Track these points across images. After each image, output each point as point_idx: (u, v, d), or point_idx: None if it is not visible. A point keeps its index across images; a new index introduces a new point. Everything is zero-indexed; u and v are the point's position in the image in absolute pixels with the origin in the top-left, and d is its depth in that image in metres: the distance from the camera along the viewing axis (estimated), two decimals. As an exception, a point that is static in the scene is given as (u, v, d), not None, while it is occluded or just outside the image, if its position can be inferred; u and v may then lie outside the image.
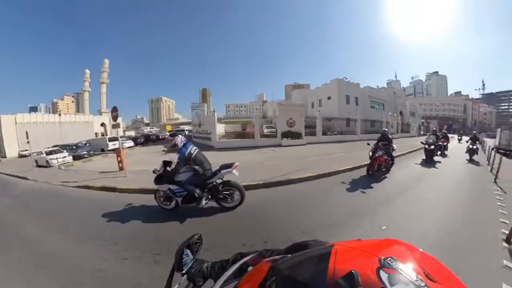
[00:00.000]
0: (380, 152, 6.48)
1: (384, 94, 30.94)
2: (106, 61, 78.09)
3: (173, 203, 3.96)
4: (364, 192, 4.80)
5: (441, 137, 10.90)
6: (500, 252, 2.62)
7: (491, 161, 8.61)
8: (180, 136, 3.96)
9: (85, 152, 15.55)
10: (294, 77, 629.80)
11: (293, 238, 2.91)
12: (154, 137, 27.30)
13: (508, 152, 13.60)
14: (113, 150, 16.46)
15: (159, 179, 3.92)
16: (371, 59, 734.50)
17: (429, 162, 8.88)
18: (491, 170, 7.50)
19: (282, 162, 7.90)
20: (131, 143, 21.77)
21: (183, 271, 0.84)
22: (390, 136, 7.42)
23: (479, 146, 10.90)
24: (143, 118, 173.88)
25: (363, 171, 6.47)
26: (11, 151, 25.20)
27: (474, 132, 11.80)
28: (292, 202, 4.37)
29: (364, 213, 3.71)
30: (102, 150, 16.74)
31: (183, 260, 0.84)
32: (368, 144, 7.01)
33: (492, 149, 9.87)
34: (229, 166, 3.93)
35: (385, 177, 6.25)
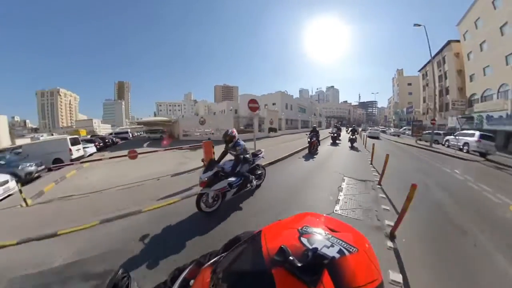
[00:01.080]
0: (314, 138, 10.88)
1: (305, 103, 45.32)
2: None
3: (219, 201, 3.85)
4: (313, 160, 8.90)
5: (338, 129, 17.44)
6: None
7: (363, 138, 17.45)
8: (234, 129, 4.24)
9: (33, 168, 8.62)
10: (223, 79, 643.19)
11: (290, 185, 5.32)
12: (110, 142, 23.46)
13: (367, 131, 29.40)
14: (77, 159, 11.49)
15: (213, 179, 3.70)
16: (288, 70, 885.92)
17: (334, 144, 14.73)
18: (363, 145, 14.35)
19: (280, 145, 13.69)
20: (94, 149, 16.57)
21: None
22: (317, 129, 11.98)
23: (357, 135, 15.97)
24: (25, 121, 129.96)
25: (306, 150, 11.14)
26: None
27: (354, 125, 21.52)
28: (282, 169, 7.17)
29: (316, 168, 7.35)
30: (57, 161, 10.86)
31: None
32: (306, 134, 11.62)
33: (361, 130, 23.71)
34: (258, 152, 5.08)
35: (317, 152, 10.71)
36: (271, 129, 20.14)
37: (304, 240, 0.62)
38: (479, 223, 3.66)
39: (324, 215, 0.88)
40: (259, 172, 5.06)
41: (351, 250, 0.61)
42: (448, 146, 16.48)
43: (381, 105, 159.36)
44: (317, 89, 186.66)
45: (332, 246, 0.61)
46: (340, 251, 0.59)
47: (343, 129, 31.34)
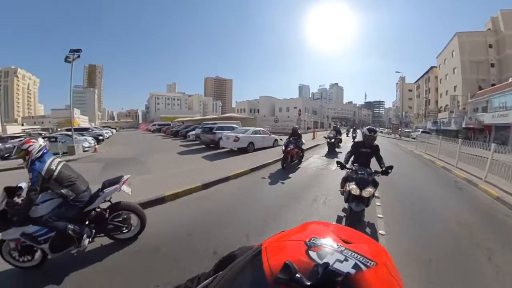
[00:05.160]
0: (291, 146, 9.40)
1: (317, 106, 64.60)
2: None
3: (38, 254, 3.05)
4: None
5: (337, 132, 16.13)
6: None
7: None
8: (38, 139, 3.22)
9: None
10: (211, 70, 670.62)
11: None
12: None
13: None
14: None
15: (4, 220, 2.82)
16: (285, 62, 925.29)
17: (331, 153, 13.53)
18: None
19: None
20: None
21: None
22: (300, 132, 10.70)
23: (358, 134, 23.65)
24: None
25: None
26: None
27: (354, 127, 41.43)
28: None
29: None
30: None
31: None
32: (325, 137, 14.63)
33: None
34: (115, 181, 3.65)
35: (299, 167, 9.52)
36: (308, 128, 38.20)
37: (312, 254, 0.66)
38: (396, 153, 17.07)
39: (334, 223, 0.98)
40: (121, 218, 3.63)
41: (368, 264, 0.64)
42: (413, 138, 36.19)
43: (388, 105, 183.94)
44: (320, 86, 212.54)
45: (346, 260, 0.64)
46: (355, 266, 0.62)
47: (343, 131, 33.91)
